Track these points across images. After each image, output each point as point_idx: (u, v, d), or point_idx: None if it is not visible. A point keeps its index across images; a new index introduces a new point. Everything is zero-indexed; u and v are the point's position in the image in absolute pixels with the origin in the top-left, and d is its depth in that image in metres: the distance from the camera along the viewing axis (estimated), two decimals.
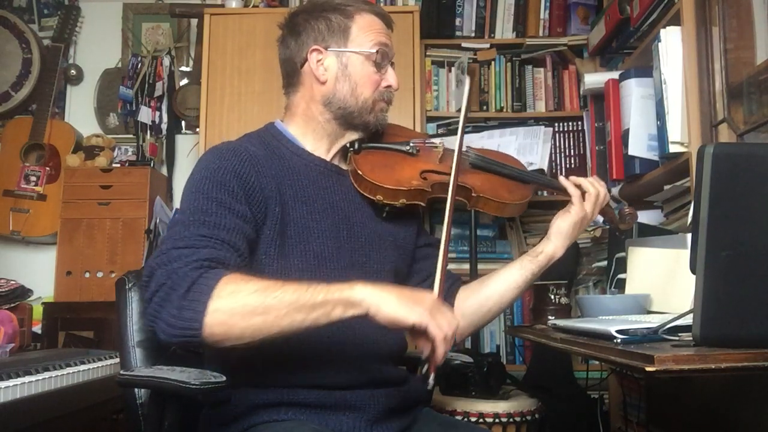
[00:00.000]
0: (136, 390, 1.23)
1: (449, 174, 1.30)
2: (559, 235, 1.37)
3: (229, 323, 1.00)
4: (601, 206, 1.40)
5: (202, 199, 1.12)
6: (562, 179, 1.41)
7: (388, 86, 1.32)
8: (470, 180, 1.36)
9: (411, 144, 1.37)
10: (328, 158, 1.32)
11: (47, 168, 3.03)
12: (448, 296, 1.38)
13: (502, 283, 1.37)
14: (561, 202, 1.44)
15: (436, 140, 1.43)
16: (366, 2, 1.35)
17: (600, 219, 1.55)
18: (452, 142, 1.36)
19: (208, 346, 1.03)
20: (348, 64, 1.28)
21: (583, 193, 1.38)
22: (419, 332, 1.01)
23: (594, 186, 1.38)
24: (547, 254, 1.36)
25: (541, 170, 2.50)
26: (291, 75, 1.33)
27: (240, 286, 1.02)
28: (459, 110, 1.40)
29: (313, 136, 1.32)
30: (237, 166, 1.17)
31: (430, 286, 1.37)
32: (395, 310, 0.99)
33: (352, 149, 1.33)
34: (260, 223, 1.16)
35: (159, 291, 1.03)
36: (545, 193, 2.84)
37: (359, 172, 1.28)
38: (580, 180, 1.40)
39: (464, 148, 1.42)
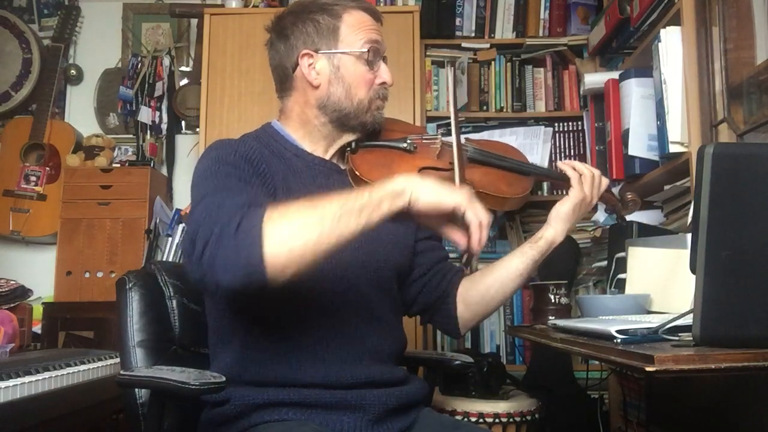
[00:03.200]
0: (136, 390, 1.23)
1: (447, 170, 1.30)
2: (558, 219, 1.37)
3: (289, 242, 0.97)
4: (600, 189, 1.41)
5: (221, 177, 1.11)
6: (559, 163, 1.42)
7: (383, 83, 1.30)
8: (469, 175, 1.36)
9: (408, 140, 1.36)
10: (327, 158, 1.32)
11: (47, 168, 3.03)
12: (451, 284, 1.39)
13: (504, 271, 1.36)
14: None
15: (435, 135, 1.43)
16: None
17: (602, 215, 1.55)
18: (450, 140, 1.36)
19: (272, 283, 0.97)
20: (340, 65, 1.27)
21: (581, 176, 1.39)
22: (454, 220, 1.04)
23: (588, 169, 1.39)
24: (548, 239, 1.36)
25: None
26: (283, 80, 1.32)
27: (286, 208, 1.01)
28: (456, 110, 1.40)
29: (311, 138, 1.31)
30: (247, 152, 1.18)
31: (431, 279, 1.38)
32: (435, 194, 1.02)
33: (349, 148, 1.32)
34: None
35: (209, 243, 0.98)
36: (545, 193, 2.85)
37: (357, 172, 1.28)
38: (575, 163, 1.41)
39: (462, 142, 1.41)
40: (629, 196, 1.48)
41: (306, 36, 1.27)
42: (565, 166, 1.40)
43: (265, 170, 1.18)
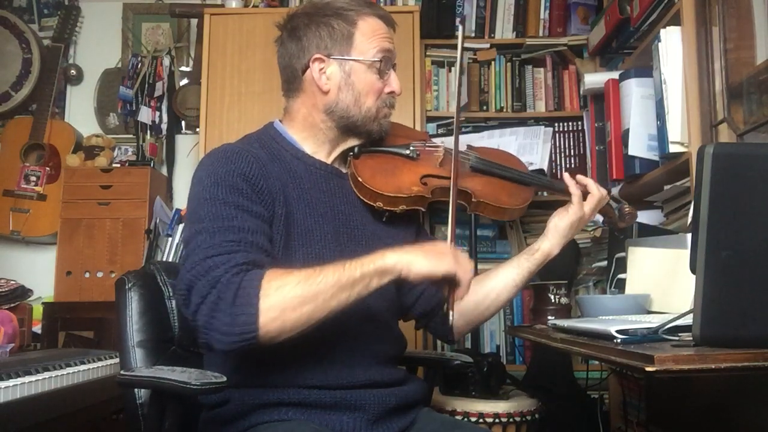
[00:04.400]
0: (136, 390, 1.23)
1: (449, 178, 1.30)
2: (556, 233, 1.38)
3: (283, 318, 1.02)
4: (600, 206, 1.41)
5: (219, 205, 1.12)
6: (566, 178, 1.41)
7: (391, 92, 1.30)
8: (470, 184, 1.36)
9: (411, 148, 1.36)
10: (328, 161, 1.31)
11: (47, 168, 3.03)
12: None
13: (499, 282, 1.38)
14: (561, 202, 1.44)
15: (437, 141, 1.43)
16: (368, 4, 1.31)
17: (600, 219, 1.55)
18: (452, 143, 1.35)
19: (263, 345, 1.04)
20: (351, 72, 1.26)
21: (585, 194, 1.38)
22: (444, 279, 1.11)
23: (599, 190, 1.39)
24: (544, 252, 1.38)
25: (540, 170, 2.50)
26: (291, 80, 1.31)
27: (283, 281, 1.04)
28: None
29: (314, 141, 1.31)
30: (244, 167, 1.16)
31: (429, 287, 1.38)
32: (425, 265, 1.09)
33: (351, 153, 1.32)
34: (270, 222, 1.17)
35: (204, 303, 1.03)
36: (545, 193, 2.84)
37: (359, 178, 1.28)
38: (587, 180, 1.40)
39: (465, 149, 1.41)
40: (627, 209, 1.48)
41: (319, 40, 1.26)
42: (571, 183, 1.40)
43: (262, 186, 1.16)
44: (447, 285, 1.13)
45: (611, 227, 1.61)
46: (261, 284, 1.03)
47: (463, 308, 1.38)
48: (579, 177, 1.41)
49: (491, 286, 1.38)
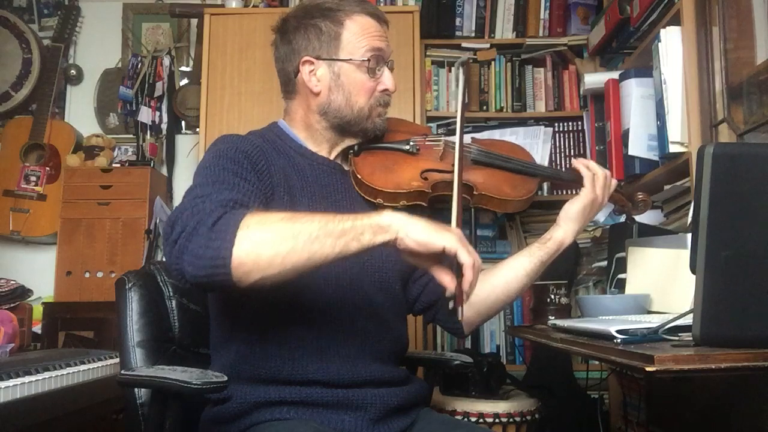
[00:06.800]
0: (136, 390, 1.23)
1: (450, 172, 1.29)
2: (568, 219, 1.35)
3: (258, 250, 0.97)
4: (610, 190, 1.39)
5: (218, 171, 1.13)
6: (574, 161, 1.40)
7: (384, 90, 1.30)
8: (472, 177, 1.35)
9: (411, 143, 1.36)
10: (330, 158, 1.33)
11: (47, 168, 3.03)
12: None
13: (509, 270, 1.35)
14: (562, 202, 1.44)
15: (439, 136, 1.42)
16: (357, 2, 1.31)
17: (602, 215, 1.54)
18: (454, 139, 1.34)
19: (236, 284, 0.98)
20: (340, 73, 1.27)
21: (594, 176, 1.37)
22: (443, 262, 1.02)
23: (601, 168, 1.38)
24: (557, 240, 1.35)
25: None
26: (286, 83, 1.33)
27: (267, 216, 1.01)
28: (457, 109, 1.38)
29: (313, 141, 1.32)
30: (249, 149, 1.19)
31: (433, 278, 1.37)
32: (425, 233, 1.00)
33: (351, 151, 1.32)
34: (269, 204, 1.16)
35: (184, 231, 1.00)
36: (545, 193, 2.84)
37: (359, 175, 1.28)
38: (588, 162, 1.39)
39: (468, 141, 1.40)
40: (640, 197, 1.46)
41: (307, 42, 1.28)
42: (580, 164, 1.38)
43: (263, 167, 1.19)
44: (451, 272, 1.03)
45: (626, 216, 1.58)
46: (244, 216, 0.99)
47: (473, 298, 1.35)
48: (581, 160, 1.40)
49: (501, 276, 1.35)
